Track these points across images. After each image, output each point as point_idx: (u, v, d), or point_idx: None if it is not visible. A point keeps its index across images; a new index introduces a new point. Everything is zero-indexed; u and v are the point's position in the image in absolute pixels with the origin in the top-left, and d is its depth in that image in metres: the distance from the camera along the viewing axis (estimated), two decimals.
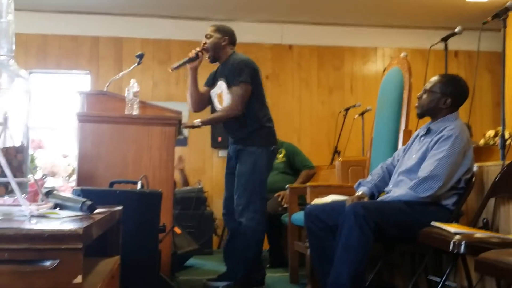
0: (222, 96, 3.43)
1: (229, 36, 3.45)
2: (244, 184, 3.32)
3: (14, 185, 1.19)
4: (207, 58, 3.43)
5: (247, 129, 3.37)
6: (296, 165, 4.66)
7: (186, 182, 5.62)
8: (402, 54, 3.18)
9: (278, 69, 6.28)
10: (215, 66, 3.58)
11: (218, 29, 3.44)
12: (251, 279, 3.34)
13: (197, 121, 3.33)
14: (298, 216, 3.53)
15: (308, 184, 3.50)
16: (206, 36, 3.42)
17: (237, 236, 3.44)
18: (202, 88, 3.56)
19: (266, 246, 4.52)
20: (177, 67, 3.38)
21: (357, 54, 6.47)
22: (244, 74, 3.32)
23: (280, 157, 4.66)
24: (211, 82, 3.55)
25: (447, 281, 2.26)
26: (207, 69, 3.62)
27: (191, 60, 3.36)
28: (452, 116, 2.58)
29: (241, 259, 3.37)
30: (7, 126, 1.30)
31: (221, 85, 3.43)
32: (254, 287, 3.35)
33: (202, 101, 3.57)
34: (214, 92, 3.51)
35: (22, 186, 1.26)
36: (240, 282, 3.31)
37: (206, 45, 3.40)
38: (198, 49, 3.38)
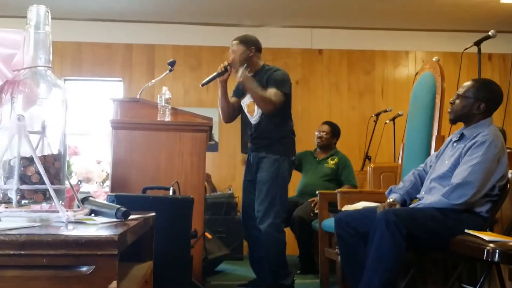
0: (255, 106, 3.45)
1: (254, 46, 3.48)
2: (266, 191, 3.34)
3: (52, 193, 1.23)
4: (234, 70, 3.45)
5: (271, 138, 3.42)
6: (341, 177, 4.64)
7: (214, 190, 5.66)
8: (434, 58, 3.14)
9: (308, 74, 6.27)
10: None
11: (242, 41, 3.46)
12: (281, 286, 3.35)
13: (240, 73, 3.32)
14: (329, 223, 3.51)
15: (338, 190, 3.48)
16: (232, 52, 3.45)
17: (258, 244, 3.46)
18: (230, 98, 3.60)
19: (296, 252, 4.52)
20: (207, 83, 3.41)
21: (388, 58, 6.41)
22: (286, 86, 3.41)
23: (331, 163, 4.67)
24: (240, 92, 3.58)
25: None
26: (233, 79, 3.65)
27: (220, 74, 3.39)
28: (485, 121, 2.54)
29: (268, 267, 3.38)
30: (45, 134, 1.34)
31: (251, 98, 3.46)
32: None
33: (233, 112, 3.62)
34: (244, 102, 3.55)
35: (59, 193, 1.30)
36: None
37: (234, 59, 3.43)
38: (226, 63, 3.41)
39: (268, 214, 3.31)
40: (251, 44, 3.47)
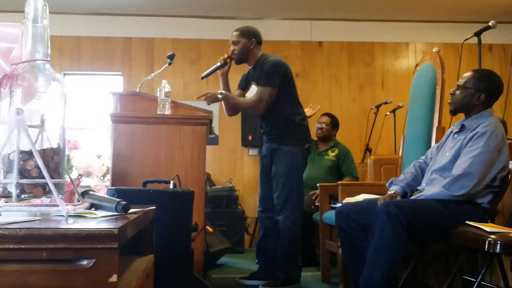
0: None
1: (255, 38, 3.47)
2: (282, 183, 3.36)
3: (51, 186, 1.22)
4: (234, 62, 3.46)
5: (282, 128, 3.42)
6: (342, 169, 4.64)
7: (211, 183, 5.64)
8: (435, 50, 3.13)
9: (308, 66, 6.26)
10: (245, 68, 3.61)
11: (243, 33, 3.45)
12: (289, 277, 3.37)
13: (219, 94, 3.33)
14: (330, 215, 3.51)
15: (339, 182, 3.48)
16: (233, 43, 3.45)
17: (270, 235, 3.48)
18: (235, 91, 3.60)
19: None
20: (207, 75, 3.43)
21: (388, 50, 6.39)
22: (275, 77, 3.37)
23: (332, 155, 4.68)
24: (244, 85, 3.58)
25: (482, 281, 2.22)
26: (239, 72, 3.64)
27: (220, 67, 3.41)
28: (486, 112, 2.53)
29: (279, 257, 3.41)
30: (44, 128, 1.34)
31: (254, 89, 3.46)
32: (291, 285, 3.37)
33: None
34: (248, 95, 3.55)
35: (59, 187, 1.30)
36: (278, 281, 3.34)
37: (235, 52, 3.43)
38: (226, 55, 3.42)
39: (286, 206, 3.35)
40: (252, 36, 3.46)
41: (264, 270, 3.52)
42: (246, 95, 3.56)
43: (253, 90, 3.48)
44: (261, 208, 3.59)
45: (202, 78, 3.43)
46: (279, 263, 3.41)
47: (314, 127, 4.84)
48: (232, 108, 3.50)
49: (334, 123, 4.85)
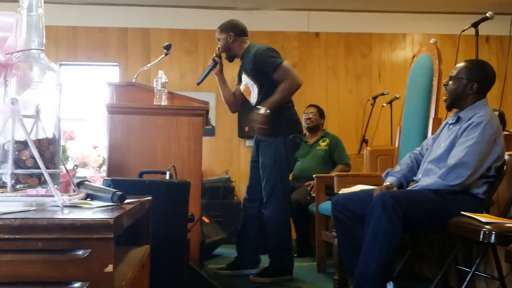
0: (249, 88, 3.45)
1: (233, 31, 3.43)
2: (267, 175, 3.38)
3: (47, 176, 1.22)
4: (226, 59, 3.47)
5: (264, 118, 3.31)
6: (334, 157, 4.72)
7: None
8: (432, 41, 3.13)
9: (305, 57, 6.24)
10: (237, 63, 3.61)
11: (221, 29, 3.46)
12: (280, 268, 3.38)
13: (264, 110, 3.24)
14: (326, 206, 3.52)
15: (335, 173, 3.49)
16: (218, 41, 3.47)
17: (251, 224, 3.53)
18: (234, 87, 3.61)
19: (293, 235, 4.53)
20: (202, 80, 3.44)
21: (385, 41, 6.38)
22: (273, 59, 3.29)
23: (323, 144, 4.74)
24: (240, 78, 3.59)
25: (477, 271, 2.23)
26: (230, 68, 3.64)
27: (212, 68, 3.42)
28: (481, 103, 2.54)
29: (270, 249, 3.45)
30: (39, 118, 1.33)
31: (245, 79, 3.47)
32: (283, 276, 3.38)
33: (238, 101, 3.62)
34: (242, 88, 3.56)
35: (54, 177, 1.29)
36: (271, 271, 3.35)
37: (219, 50, 3.45)
38: (214, 54, 3.45)
39: (270, 199, 3.36)
40: (229, 30, 3.43)
41: (242, 259, 3.56)
42: (241, 87, 3.55)
43: (244, 80, 3.47)
44: (247, 197, 3.59)
45: (199, 83, 3.42)
46: (271, 254, 3.43)
47: (302, 119, 4.83)
48: (278, 104, 3.26)
49: (320, 112, 4.94)
